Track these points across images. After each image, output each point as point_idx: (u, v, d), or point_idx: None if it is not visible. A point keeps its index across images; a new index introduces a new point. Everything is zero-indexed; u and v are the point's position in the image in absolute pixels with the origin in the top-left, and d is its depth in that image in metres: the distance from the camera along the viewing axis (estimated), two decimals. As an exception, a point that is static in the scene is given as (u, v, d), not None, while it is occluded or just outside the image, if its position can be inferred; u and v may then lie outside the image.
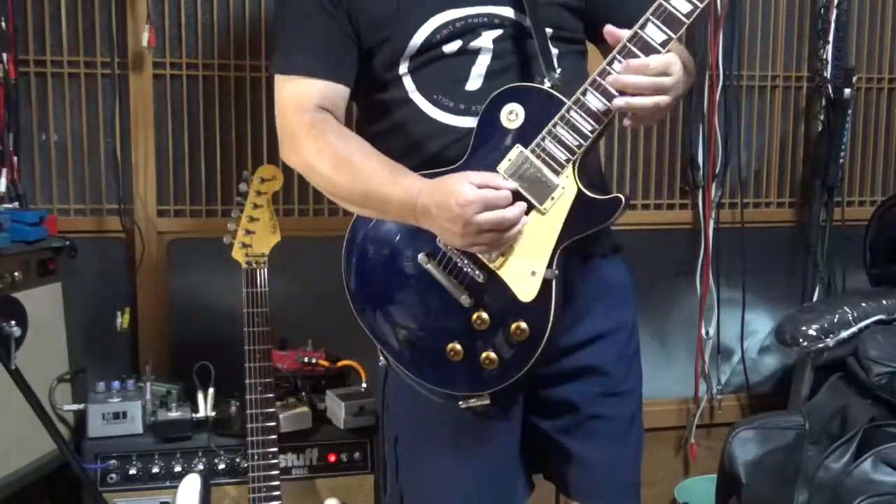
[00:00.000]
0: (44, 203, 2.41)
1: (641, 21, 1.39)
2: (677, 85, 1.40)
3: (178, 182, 2.51)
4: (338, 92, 1.53)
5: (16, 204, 2.26)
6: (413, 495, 1.63)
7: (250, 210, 2.04)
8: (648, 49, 1.38)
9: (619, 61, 1.38)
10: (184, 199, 2.51)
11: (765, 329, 3.02)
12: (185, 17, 2.46)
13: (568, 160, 1.42)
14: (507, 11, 1.52)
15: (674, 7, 1.38)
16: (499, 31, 1.51)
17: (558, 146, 1.42)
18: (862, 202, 3.04)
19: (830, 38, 2.87)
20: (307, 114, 1.50)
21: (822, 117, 2.92)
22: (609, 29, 1.40)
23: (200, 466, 2.18)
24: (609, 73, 1.39)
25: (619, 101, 1.37)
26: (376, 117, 1.58)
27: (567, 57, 1.56)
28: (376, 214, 1.49)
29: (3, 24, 2.24)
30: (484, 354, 1.46)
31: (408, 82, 1.52)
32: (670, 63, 1.39)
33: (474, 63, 1.51)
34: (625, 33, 1.39)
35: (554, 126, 1.42)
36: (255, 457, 2.00)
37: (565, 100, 1.42)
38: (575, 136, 1.41)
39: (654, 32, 1.38)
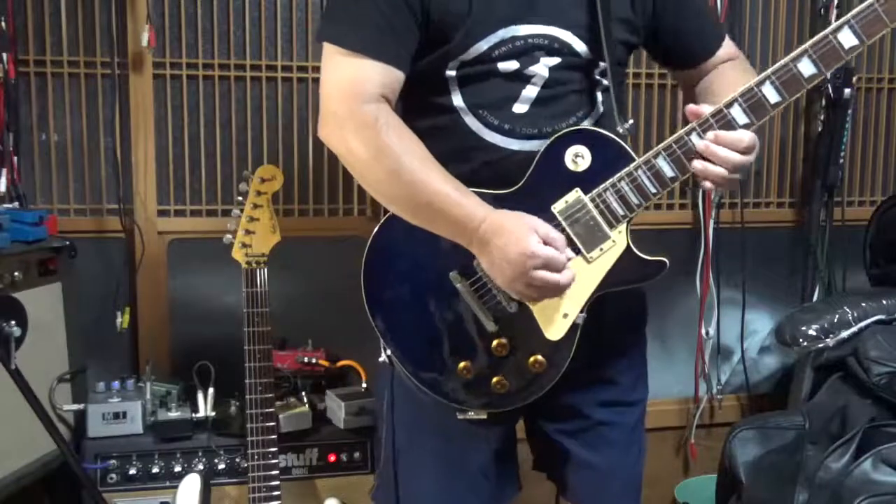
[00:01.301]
0: (44, 203, 2.41)
1: (728, 99, 1.39)
2: (752, 165, 1.43)
3: (178, 182, 2.50)
4: (397, 79, 1.44)
5: (16, 204, 2.25)
6: (407, 490, 1.63)
7: (250, 210, 2.04)
8: (730, 129, 1.38)
9: (700, 136, 1.39)
10: (184, 199, 2.51)
11: (765, 329, 3.02)
12: (185, 17, 2.46)
13: (625, 216, 1.43)
14: (570, 38, 1.47)
15: (764, 95, 1.38)
16: (556, 60, 1.47)
17: (619, 201, 1.43)
18: (862, 202, 3.04)
19: (830, 38, 2.87)
20: (370, 104, 1.40)
21: (821, 117, 2.92)
22: (691, 107, 1.41)
23: (200, 466, 2.19)
24: (685, 144, 1.39)
25: (698, 165, 1.39)
26: (418, 115, 1.52)
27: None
28: (421, 224, 1.45)
29: (3, 24, 2.24)
30: (496, 378, 1.47)
31: (454, 89, 1.48)
32: (756, 142, 1.40)
33: (525, 87, 1.48)
34: (707, 109, 1.39)
35: (619, 180, 1.42)
36: (255, 457, 2.00)
37: (636, 156, 1.42)
38: (638, 195, 1.43)
39: (738, 114, 1.39)
